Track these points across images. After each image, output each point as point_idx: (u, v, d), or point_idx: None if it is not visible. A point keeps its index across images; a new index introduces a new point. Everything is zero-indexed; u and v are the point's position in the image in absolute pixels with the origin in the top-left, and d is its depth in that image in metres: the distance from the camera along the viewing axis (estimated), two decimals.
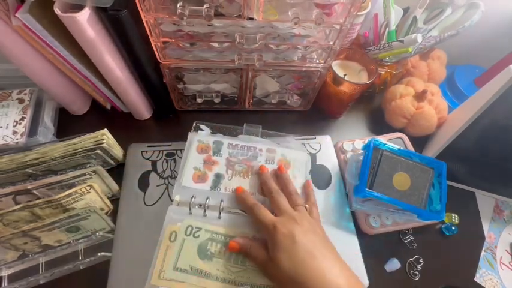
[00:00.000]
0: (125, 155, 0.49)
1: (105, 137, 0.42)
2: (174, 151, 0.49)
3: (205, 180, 0.43)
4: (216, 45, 0.42)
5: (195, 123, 0.47)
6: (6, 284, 0.39)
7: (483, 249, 0.49)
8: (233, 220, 0.41)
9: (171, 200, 0.42)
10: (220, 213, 0.41)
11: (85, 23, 0.34)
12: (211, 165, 0.44)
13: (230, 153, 0.45)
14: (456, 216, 0.50)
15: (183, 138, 0.47)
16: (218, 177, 0.43)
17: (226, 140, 0.46)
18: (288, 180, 0.42)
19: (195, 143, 0.45)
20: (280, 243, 0.33)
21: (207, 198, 0.41)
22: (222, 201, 0.41)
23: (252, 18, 0.37)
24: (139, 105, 0.51)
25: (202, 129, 0.47)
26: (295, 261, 0.32)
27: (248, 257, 0.37)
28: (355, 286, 0.32)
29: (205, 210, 0.41)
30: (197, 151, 0.45)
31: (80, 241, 0.42)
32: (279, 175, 0.43)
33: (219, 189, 0.42)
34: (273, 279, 0.35)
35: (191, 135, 0.46)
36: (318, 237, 0.35)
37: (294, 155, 0.46)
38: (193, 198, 0.41)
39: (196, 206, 0.41)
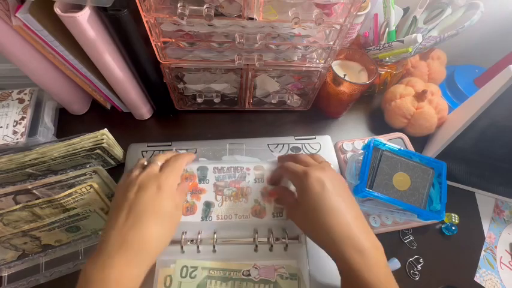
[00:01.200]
0: (125, 155, 0.49)
1: (105, 136, 0.42)
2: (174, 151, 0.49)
3: (195, 211, 0.41)
4: (216, 45, 0.42)
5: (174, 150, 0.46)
6: (6, 284, 0.39)
7: (483, 249, 0.49)
8: (230, 251, 0.39)
9: None
10: (214, 246, 0.39)
11: (85, 23, 0.34)
12: (198, 194, 0.42)
13: (217, 177, 0.43)
14: (456, 216, 0.50)
15: (183, 138, 0.47)
16: (208, 205, 0.41)
17: (211, 165, 0.43)
18: (302, 155, 0.41)
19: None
20: (311, 187, 0.34)
21: (198, 233, 0.39)
22: (215, 232, 0.40)
23: (252, 18, 0.37)
24: (140, 105, 0.51)
25: None
26: (323, 207, 0.33)
27: (280, 200, 0.41)
28: (375, 244, 0.33)
29: (198, 246, 0.38)
30: (182, 180, 0.42)
31: (79, 241, 0.42)
32: (292, 156, 0.42)
33: (210, 219, 0.40)
34: (299, 224, 0.37)
35: None
36: (343, 186, 0.36)
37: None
38: (184, 235, 0.39)
39: (188, 243, 0.39)
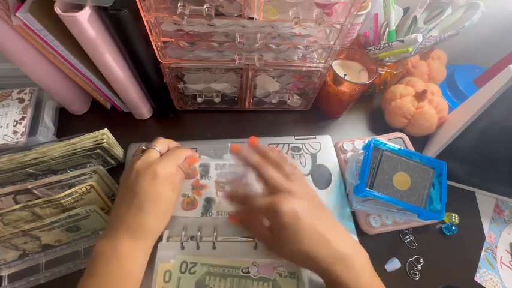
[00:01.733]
0: (125, 155, 0.49)
1: (106, 136, 0.42)
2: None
3: (195, 207, 0.42)
4: (216, 45, 0.42)
5: None
6: (6, 284, 0.39)
7: (483, 249, 0.49)
8: (229, 248, 0.39)
9: None
10: (214, 243, 0.39)
11: (85, 23, 0.34)
12: (200, 190, 0.43)
13: (218, 174, 0.44)
14: (456, 216, 0.50)
15: (184, 137, 0.47)
16: (208, 201, 0.42)
17: (213, 162, 0.45)
18: (267, 150, 0.38)
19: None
20: (285, 225, 0.31)
21: (199, 230, 0.39)
22: (215, 230, 0.40)
23: (252, 18, 0.37)
24: (140, 104, 0.51)
25: None
26: (303, 240, 0.32)
27: (252, 233, 0.39)
28: (355, 247, 0.34)
29: (198, 243, 0.39)
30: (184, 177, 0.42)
31: (80, 241, 0.42)
32: (256, 149, 0.38)
33: (210, 214, 0.41)
34: (281, 257, 0.35)
35: None
36: (313, 202, 0.35)
37: None
38: (184, 231, 0.39)
39: (189, 239, 0.39)
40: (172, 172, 0.36)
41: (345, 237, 0.34)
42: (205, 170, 0.44)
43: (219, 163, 0.44)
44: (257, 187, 0.40)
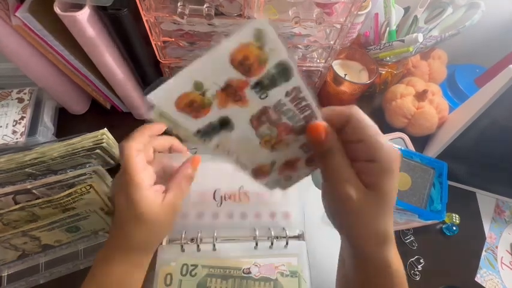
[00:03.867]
0: None
1: (105, 136, 0.42)
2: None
3: (199, 116, 0.22)
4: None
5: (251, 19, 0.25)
6: (5, 284, 0.39)
7: (484, 249, 0.49)
8: (230, 249, 0.39)
9: None
10: (214, 245, 0.39)
11: (85, 22, 0.34)
12: (229, 102, 0.22)
13: (280, 103, 0.23)
14: (457, 216, 0.50)
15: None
16: (223, 125, 0.23)
17: (296, 78, 0.22)
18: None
19: (247, 34, 0.19)
20: (397, 175, 0.24)
21: (198, 232, 0.39)
22: (215, 231, 0.39)
23: (252, 18, 0.37)
24: (139, 104, 0.51)
25: None
26: (391, 198, 0.25)
27: (327, 163, 0.25)
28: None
29: (198, 245, 0.38)
30: (233, 55, 0.19)
31: (79, 241, 0.42)
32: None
33: (208, 140, 0.24)
34: (352, 212, 0.25)
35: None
36: None
37: None
38: (184, 234, 0.39)
39: (188, 242, 0.39)
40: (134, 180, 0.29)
41: None
42: (273, 79, 0.21)
43: (301, 91, 0.22)
44: (292, 153, 0.27)
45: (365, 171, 0.24)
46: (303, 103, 0.23)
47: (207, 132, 0.23)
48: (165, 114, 0.22)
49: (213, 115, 0.22)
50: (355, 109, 0.25)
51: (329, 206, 0.28)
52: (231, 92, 0.21)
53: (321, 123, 0.24)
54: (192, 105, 0.21)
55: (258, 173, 0.28)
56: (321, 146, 0.24)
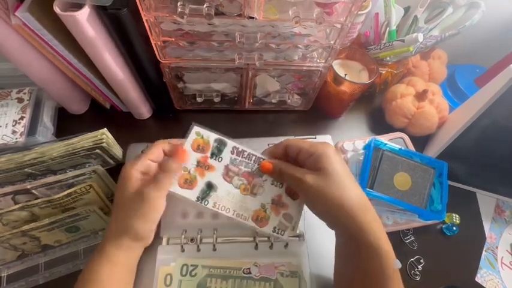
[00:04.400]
0: (124, 155, 0.48)
1: (105, 136, 0.42)
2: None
3: (193, 187, 0.35)
4: (216, 44, 0.42)
5: (192, 124, 0.38)
6: (5, 284, 0.39)
7: (484, 249, 0.49)
8: (230, 249, 0.39)
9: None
10: (214, 245, 0.39)
11: (85, 22, 0.34)
12: (204, 170, 0.36)
13: (232, 160, 0.37)
14: (457, 216, 0.50)
15: (183, 137, 0.47)
16: (209, 187, 0.36)
17: (231, 142, 0.37)
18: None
19: (191, 137, 0.37)
20: (334, 155, 0.33)
21: (198, 232, 0.39)
22: (215, 231, 0.39)
23: (252, 17, 0.37)
24: (139, 104, 0.51)
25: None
26: (344, 180, 0.32)
27: (284, 175, 0.35)
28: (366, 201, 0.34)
29: (198, 246, 0.38)
30: (192, 147, 0.36)
31: (79, 241, 0.42)
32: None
33: (206, 203, 0.35)
34: (315, 203, 0.34)
35: (192, 126, 0.37)
36: None
37: None
38: (184, 234, 0.39)
39: (188, 242, 0.39)
40: (135, 169, 0.34)
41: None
42: (219, 149, 0.37)
43: (239, 147, 0.37)
44: (268, 194, 0.37)
45: (311, 164, 0.34)
46: (245, 153, 0.37)
47: (203, 197, 0.35)
48: (174, 194, 0.35)
49: (200, 184, 0.36)
50: (287, 141, 0.37)
51: (309, 207, 0.35)
52: (202, 166, 0.36)
53: (264, 162, 0.37)
54: (187, 181, 0.35)
55: (259, 220, 0.36)
56: (274, 171, 0.36)
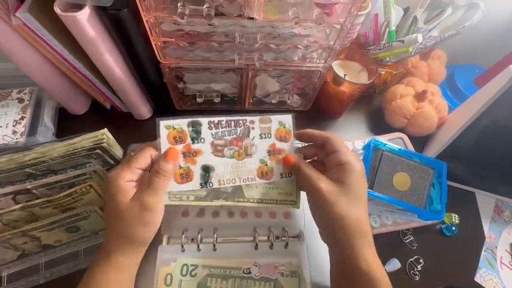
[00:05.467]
0: (124, 155, 0.48)
1: (105, 136, 0.42)
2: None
3: (192, 178, 0.35)
4: (216, 44, 0.42)
5: (157, 120, 0.35)
6: (5, 284, 0.39)
7: (483, 249, 0.49)
8: (230, 249, 0.39)
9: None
10: (214, 245, 0.39)
11: (85, 22, 0.34)
12: (193, 157, 0.35)
13: (214, 134, 0.36)
14: (456, 216, 0.50)
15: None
16: (206, 170, 0.35)
17: (205, 119, 0.36)
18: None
19: (163, 133, 0.34)
20: (362, 178, 0.33)
21: (199, 232, 0.39)
22: (215, 231, 0.40)
23: (252, 18, 0.37)
24: (139, 104, 0.51)
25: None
26: (358, 197, 0.32)
27: (300, 172, 0.35)
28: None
29: (198, 245, 0.38)
30: (170, 142, 0.34)
31: (79, 241, 0.42)
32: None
33: (211, 185, 0.35)
34: (321, 201, 0.33)
35: (157, 123, 0.35)
36: None
37: (288, 120, 0.38)
38: (184, 234, 0.39)
39: (189, 241, 0.39)
40: (122, 180, 0.32)
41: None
42: (196, 131, 0.35)
43: (213, 120, 0.36)
44: (262, 149, 0.37)
45: (334, 172, 0.33)
46: (223, 122, 0.36)
47: (205, 181, 0.35)
48: (174, 193, 0.35)
49: (196, 171, 0.35)
50: (331, 136, 0.36)
51: (312, 211, 0.35)
52: (188, 154, 0.35)
53: (289, 156, 0.37)
54: (183, 176, 0.35)
55: (265, 175, 0.37)
56: (294, 167, 0.36)
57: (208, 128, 0.36)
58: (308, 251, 0.40)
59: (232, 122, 0.36)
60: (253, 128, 0.37)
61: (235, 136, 0.36)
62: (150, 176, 0.33)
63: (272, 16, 0.38)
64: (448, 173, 0.46)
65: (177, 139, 0.35)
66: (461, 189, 0.53)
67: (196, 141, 0.35)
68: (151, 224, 0.33)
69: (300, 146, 0.39)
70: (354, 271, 0.31)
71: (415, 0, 0.53)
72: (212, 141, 0.36)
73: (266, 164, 0.37)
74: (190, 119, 0.35)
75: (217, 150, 0.36)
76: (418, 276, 0.45)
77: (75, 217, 0.39)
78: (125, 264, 0.33)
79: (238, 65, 0.44)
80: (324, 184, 0.32)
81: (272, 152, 0.37)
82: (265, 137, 0.37)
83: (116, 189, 0.32)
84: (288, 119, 0.38)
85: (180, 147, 0.35)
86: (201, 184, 0.35)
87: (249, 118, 0.37)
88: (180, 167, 0.35)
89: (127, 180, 0.32)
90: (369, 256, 0.31)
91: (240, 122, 0.36)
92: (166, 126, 0.35)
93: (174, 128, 0.35)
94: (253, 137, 0.37)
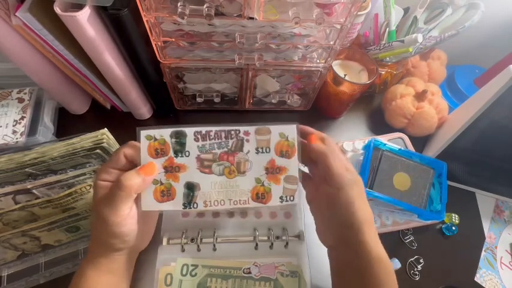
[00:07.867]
0: None
1: (105, 136, 0.42)
2: None
3: (173, 196, 0.30)
4: (216, 44, 0.42)
5: (137, 129, 0.31)
6: (5, 284, 0.39)
7: (483, 249, 0.49)
8: (230, 249, 0.39)
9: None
10: (214, 245, 0.39)
11: (85, 22, 0.34)
12: (176, 173, 0.30)
13: (200, 147, 0.30)
14: (456, 216, 0.50)
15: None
16: (190, 188, 0.30)
17: (190, 129, 0.31)
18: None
19: (144, 144, 0.30)
20: (358, 182, 0.31)
21: (199, 232, 0.39)
22: (215, 231, 0.39)
23: (252, 18, 0.37)
24: (139, 104, 0.51)
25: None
26: (358, 196, 0.30)
27: (326, 166, 0.30)
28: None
29: (198, 245, 0.38)
30: (150, 155, 0.30)
31: (79, 241, 0.42)
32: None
33: (195, 206, 0.30)
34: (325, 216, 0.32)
35: (138, 132, 0.31)
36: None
37: (291, 131, 0.31)
38: (184, 234, 0.39)
39: (189, 242, 0.39)
40: (99, 179, 0.30)
41: None
42: (180, 143, 0.30)
43: (200, 130, 0.30)
44: (258, 166, 0.31)
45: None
46: (212, 133, 0.31)
47: (189, 201, 0.30)
48: (158, 211, 0.32)
49: (179, 189, 0.30)
50: (323, 153, 0.31)
51: (328, 211, 0.32)
52: (171, 170, 0.31)
53: (313, 134, 0.32)
54: (164, 193, 0.30)
55: (260, 197, 0.31)
56: (317, 149, 0.30)
57: (195, 139, 0.30)
58: (308, 251, 0.40)
59: (223, 133, 0.31)
60: (247, 141, 0.31)
61: (226, 150, 0.31)
62: (112, 185, 0.29)
63: (272, 16, 0.38)
64: (448, 173, 0.46)
65: (159, 151, 0.30)
66: (461, 189, 0.53)
67: (180, 155, 0.30)
68: (118, 236, 0.29)
69: (306, 168, 0.34)
70: (365, 263, 0.30)
71: (415, 0, 0.53)
72: (198, 155, 0.31)
73: (263, 185, 0.31)
74: (173, 129, 0.30)
75: (203, 166, 0.31)
76: (418, 276, 0.45)
77: (75, 217, 0.39)
78: (111, 268, 0.31)
79: (238, 65, 0.44)
80: (350, 175, 0.30)
81: (271, 169, 0.31)
82: (262, 152, 0.31)
83: (94, 188, 0.30)
84: (291, 130, 0.31)
85: (161, 161, 0.30)
86: (184, 204, 0.30)
87: (242, 128, 0.31)
88: (161, 183, 0.30)
89: (102, 179, 0.29)
90: (378, 244, 0.31)
91: (232, 132, 0.31)
92: (147, 137, 0.30)
93: (155, 139, 0.30)
94: (248, 151, 0.31)
